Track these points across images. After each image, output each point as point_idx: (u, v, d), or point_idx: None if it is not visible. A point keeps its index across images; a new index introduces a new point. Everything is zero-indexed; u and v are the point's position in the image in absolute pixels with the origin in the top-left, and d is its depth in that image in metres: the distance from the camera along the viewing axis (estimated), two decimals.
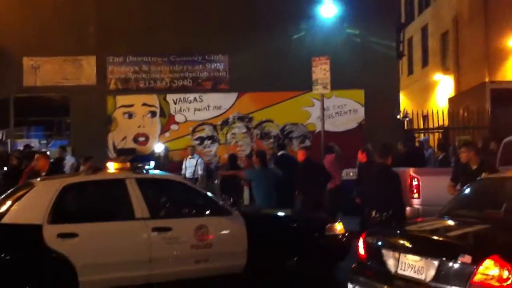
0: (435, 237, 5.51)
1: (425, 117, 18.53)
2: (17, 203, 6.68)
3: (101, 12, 16.50)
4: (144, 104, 16.74)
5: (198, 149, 16.03)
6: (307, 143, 16.47)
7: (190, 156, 14.82)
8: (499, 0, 18.54)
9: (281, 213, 8.32)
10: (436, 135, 18.23)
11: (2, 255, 6.22)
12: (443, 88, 23.02)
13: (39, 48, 16.51)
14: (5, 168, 11.85)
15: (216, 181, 12.89)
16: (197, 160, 14.75)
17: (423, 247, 5.19)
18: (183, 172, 14.42)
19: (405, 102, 23.92)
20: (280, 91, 16.53)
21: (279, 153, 12.57)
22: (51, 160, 11.08)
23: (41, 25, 16.36)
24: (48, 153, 11.92)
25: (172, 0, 16.50)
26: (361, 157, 10.18)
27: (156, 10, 16.45)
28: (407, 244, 5.35)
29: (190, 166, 14.62)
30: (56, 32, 16.44)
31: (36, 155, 9.54)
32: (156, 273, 6.79)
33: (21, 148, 16.35)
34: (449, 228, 5.75)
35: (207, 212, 7.25)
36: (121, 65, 16.78)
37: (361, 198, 9.22)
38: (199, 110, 16.73)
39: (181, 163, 14.98)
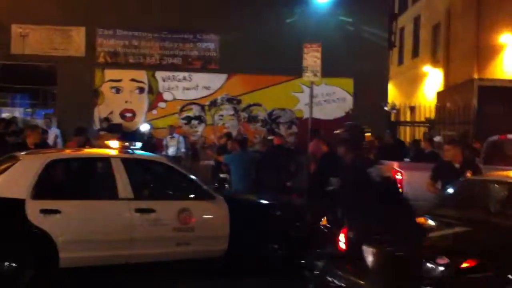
0: None
1: (413, 109, 18.58)
2: (0, 176, 6.64)
3: None
4: (132, 80, 16.56)
5: (185, 129, 15.97)
6: (294, 129, 16.53)
7: (170, 135, 14.84)
8: None
9: (264, 201, 8.35)
10: (422, 128, 18.33)
11: None
12: (432, 80, 23.04)
13: (28, 16, 16.20)
14: None
15: (202, 161, 12.90)
16: (178, 138, 14.83)
17: None
18: (164, 152, 14.42)
19: (393, 92, 23.96)
20: (269, 75, 16.43)
21: (269, 137, 12.70)
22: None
23: None
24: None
25: None
26: (323, 148, 10.30)
27: None
28: None
29: (172, 145, 14.69)
30: (46, 0, 16.16)
31: (28, 131, 9.32)
32: (136, 254, 6.83)
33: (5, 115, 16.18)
34: (429, 229, 5.81)
35: (191, 195, 7.29)
36: (110, 38, 16.55)
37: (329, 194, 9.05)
38: (187, 89, 16.60)
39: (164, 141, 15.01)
